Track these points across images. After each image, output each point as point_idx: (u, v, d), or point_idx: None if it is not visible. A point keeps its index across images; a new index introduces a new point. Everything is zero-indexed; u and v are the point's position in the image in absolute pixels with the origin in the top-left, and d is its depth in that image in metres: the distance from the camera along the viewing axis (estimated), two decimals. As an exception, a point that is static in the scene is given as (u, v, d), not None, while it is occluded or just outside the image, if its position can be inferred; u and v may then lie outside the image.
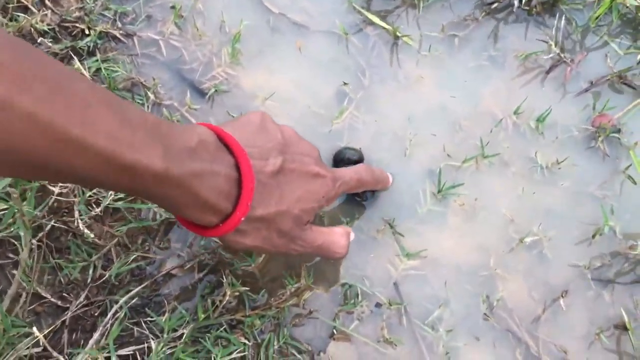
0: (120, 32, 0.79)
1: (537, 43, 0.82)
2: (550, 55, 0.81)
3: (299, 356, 0.65)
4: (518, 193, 0.74)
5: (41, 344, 0.60)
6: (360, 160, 0.72)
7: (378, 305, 0.68)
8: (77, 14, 0.78)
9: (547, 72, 0.80)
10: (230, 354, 0.63)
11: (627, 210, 0.73)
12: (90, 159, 0.39)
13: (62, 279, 0.66)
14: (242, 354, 0.64)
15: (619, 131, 0.77)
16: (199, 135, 0.48)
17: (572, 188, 0.74)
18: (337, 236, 0.64)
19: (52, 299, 0.65)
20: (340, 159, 0.72)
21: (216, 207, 0.49)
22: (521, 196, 0.74)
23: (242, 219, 0.51)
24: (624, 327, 0.68)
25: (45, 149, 0.37)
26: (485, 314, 0.69)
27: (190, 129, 0.48)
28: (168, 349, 0.62)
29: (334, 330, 0.67)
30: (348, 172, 0.65)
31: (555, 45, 0.81)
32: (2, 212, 0.64)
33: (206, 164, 0.47)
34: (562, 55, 0.80)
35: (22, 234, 0.61)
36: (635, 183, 0.74)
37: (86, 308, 0.65)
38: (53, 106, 0.37)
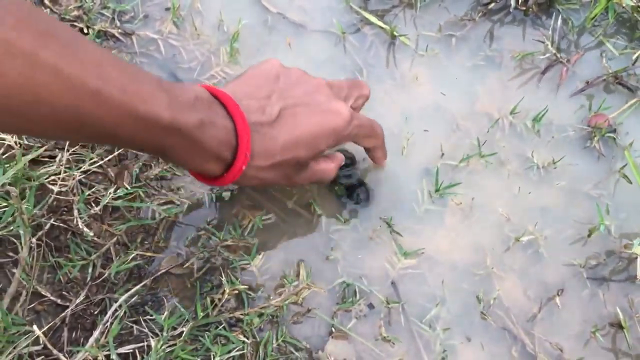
0: (119, 30, 0.79)
1: (534, 43, 0.82)
2: (547, 55, 0.81)
3: (297, 354, 0.66)
4: (514, 192, 0.75)
5: (41, 342, 0.61)
6: (352, 160, 0.73)
7: (371, 306, 0.69)
8: (75, 12, 0.79)
9: (543, 72, 0.81)
10: (230, 352, 0.63)
11: (622, 209, 0.74)
12: (108, 111, 0.43)
13: (61, 278, 0.66)
14: (241, 352, 0.64)
15: (614, 131, 0.77)
16: (195, 92, 0.52)
17: (568, 187, 0.75)
18: (330, 170, 0.66)
19: (52, 298, 0.65)
20: None
21: (219, 156, 0.53)
22: (517, 195, 0.74)
23: (243, 167, 0.55)
24: (619, 326, 0.68)
25: (68, 101, 0.41)
26: (481, 312, 0.69)
27: (186, 86, 0.52)
28: (167, 347, 0.63)
29: (332, 329, 0.67)
30: (364, 117, 0.66)
31: (552, 45, 0.82)
32: (2, 210, 0.64)
33: (205, 115, 0.51)
34: (558, 55, 0.81)
35: (21, 232, 0.62)
36: (630, 182, 0.74)
37: (86, 306, 0.66)
38: (71, 61, 0.40)
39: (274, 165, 0.58)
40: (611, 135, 0.77)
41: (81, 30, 0.78)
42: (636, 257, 0.70)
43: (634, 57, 0.81)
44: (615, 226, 0.73)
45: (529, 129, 0.78)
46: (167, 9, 0.81)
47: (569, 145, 0.77)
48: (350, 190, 0.73)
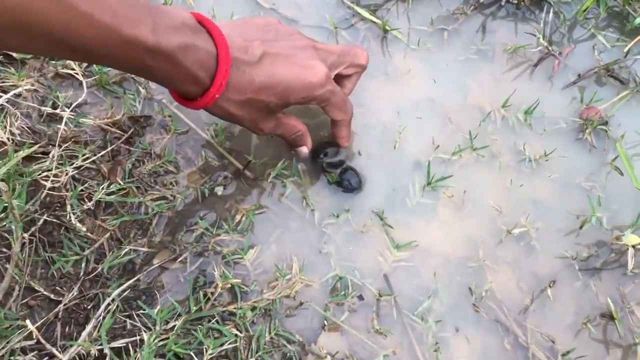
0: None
1: (525, 36, 0.83)
2: (538, 49, 0.82)
3: (290, 347, 0.66)
4: (506, 185, 0.75)
5: (34, 336, 0.61)
6: (338, 150, 0.74)
7: (361, 297, 0.69)
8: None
9: (535, 65, 0.81)
10: (222, 345, 0.63)
11: (614, 201, 0.74)
12: (97, 32, 0.46)
13: (55, 273, 0.67)
14: (234, 345, 0.64)
15: (606, 123, 0.77)
16: (182, 17, 0.54)
17: (560, 180, 0.75)
18: (296, 129, 0.69)
19: (45, 293, 0.65)
20: (321, 151, 0.74)
21: (197, 79, 0.56)
22: (509, 188, 0.75)
23: (217, 96, 0.58)
24: (610, 316, 0.69)
25: (61, 24, 0.44)
26: (474, 304, 0.69)
27: (174, 11, 0.54)
28: (160, 341, 0.63)
29: (325, 321, 0.68)
30: (340, 90, 0.67)
31: (543, 39, 0.82)
32: (-5, 206, 0.65)
33: (189, 39, 0.53)
34: (550, 48, 0.81)
35: (13, 228, 0.62)
36: (622, 174, 0.75)
37: (79, 301, 0.66)
38: None
39: (244, 103, 0.61)
40: (603, 127, 0.77)
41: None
42: (627, 249, 0.70)
43: (626, 49, 0.81)
44: (607, 218, 0.73)
45: (521, 122, 0.78)
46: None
47: (561, 137, 0.77)
48: (340, 175, 0.73)
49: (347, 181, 0.73)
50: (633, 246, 0.70)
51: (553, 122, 0.78)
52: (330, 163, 0.73)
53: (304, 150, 0.72)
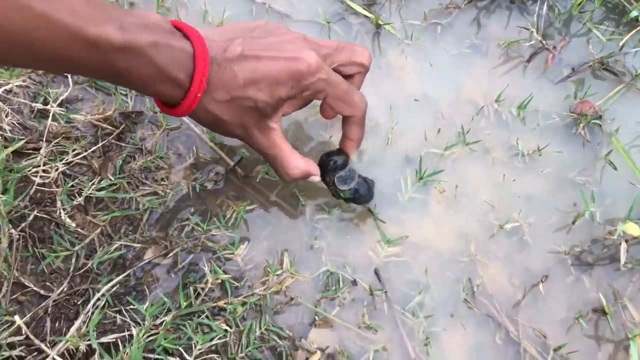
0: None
1: (520, 30, 0.82)
2: (532, 43, 0.81)
3: (280, 342, 0.66)
4: (499, 180, 0.74)
5: (23, 332, 0.61)
6: (345, 162, 0.68)
7: (355, 282, 0.69)
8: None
9: (529, 60, 0.80)
10: (211, 340, 0.63)
11: (608, 195, 0.74)
12: (58, 33, 0.44)
13: (45, 269, 0.67)
14: (223, 340, 0.64)
15: (600, 117, 0.77)
16: (155, 18, 0.52)
17: (553, 174, 0.75)
18: (294, 160, 0.64)
19: (35, 288, 0.66)
20: (326, 164, 0.68)
21: (174, 79, 0.53)
22: (502, 183, 0.74)
23: (199, 95, 0.55)
24: (602, 312, 0.68)
25: (19, 25, 0.42)
26: (465, 299, 0.69)
27: (147, 13, 0.52)
28: (149, 336, 0.63)
29: (316, 317, 0.67)
30: (341, 78, 0.62)
31: (537, 33, 0.81)
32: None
33: (161, 37, 0.51)
34: (544, 42, 0.81)
35: (0, 224, 0.62)
36: (615, 169, 0.74)
37: (69, 297, 0.66)
38: None
39: (230, 103, 0.57)
40: (597, 121, 0.76)
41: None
42: (620, 243, 0.70)
43: (621, 42, 0.81)
44: (600, 212, 0.73)
45: (514, 117, 0.77)
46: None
47: (555, 132, 0.77)
48: (352, 192, 0.68)
49: (358, 194, 0.68)
50: (626, 241, 0.70)
51: (546, 116, 0.78)
52: (341, 177, 0.67)
53: (315, 179, 0.67)
